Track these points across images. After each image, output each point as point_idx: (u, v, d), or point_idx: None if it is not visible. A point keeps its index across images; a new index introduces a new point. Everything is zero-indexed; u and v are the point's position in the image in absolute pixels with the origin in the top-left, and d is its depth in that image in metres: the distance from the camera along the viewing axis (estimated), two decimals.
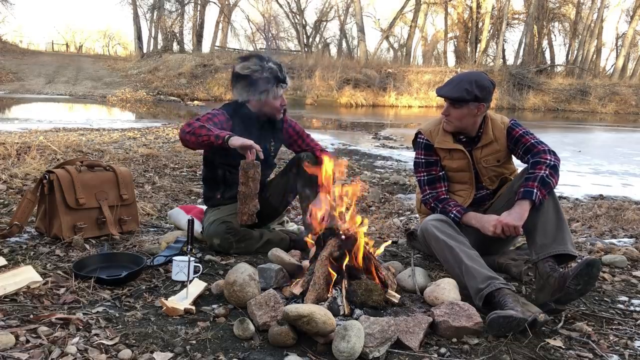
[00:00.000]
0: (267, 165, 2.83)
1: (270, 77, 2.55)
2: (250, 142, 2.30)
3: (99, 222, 2.70)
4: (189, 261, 2.13)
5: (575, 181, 6.47)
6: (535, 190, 2.16)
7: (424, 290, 2.16)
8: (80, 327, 1.71)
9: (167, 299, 1.92)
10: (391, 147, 9.28)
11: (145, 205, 3.45)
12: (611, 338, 1.93)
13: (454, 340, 1.82)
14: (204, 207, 2.90)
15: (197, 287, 2.07)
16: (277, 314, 1.81)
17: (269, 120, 2.72)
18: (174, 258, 2.24)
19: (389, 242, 2.45)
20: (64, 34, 57.51)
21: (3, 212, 3.05)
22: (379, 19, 48.79)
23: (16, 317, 1.74)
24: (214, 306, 1.97)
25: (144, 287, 2.12)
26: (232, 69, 2.66)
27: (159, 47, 30.00)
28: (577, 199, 5.33)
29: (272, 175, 3.04)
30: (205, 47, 30.59)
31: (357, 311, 1.92)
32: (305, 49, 33.20)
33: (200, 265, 2.33)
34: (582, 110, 25.29)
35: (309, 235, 2.37)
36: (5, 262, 2.19)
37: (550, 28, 35.60)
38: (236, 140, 2.30)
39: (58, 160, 4.66)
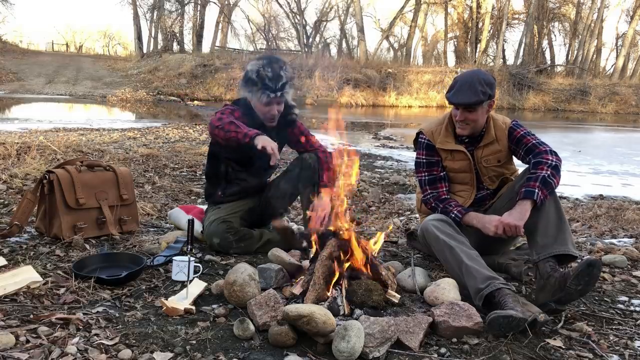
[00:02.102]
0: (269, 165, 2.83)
1: (257, 80, 2.55)
2: (269, 146, 2.32)
3: (99, 222, 2.70)
4: (189, 261, 2.13)
5: (575, 181, 6.47)
6: (536, 190, 2.16)
7: (424, 290, 2.16)
8: (80, 327, 1.71)
9: (167, 299, 1.92)
10: (391, 147, 9.28)
11: (145, 205, 3.44)
12: (611, 338, 1.93)
13: (454, 340, 1.82)
14: (204, 207, 2.90)
15: (197, 287, 2.07)
16: (277, 314, 1.81)
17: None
18: (174, 258, 2.24)
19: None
20: (64, 34, 57.49)
21: (3, 212, 3.05)
22: (379, 19, 48.83)
23: (16, 317, 1.74)
24: (214, 306, 1.97)
25: (144, 287, 2.12)
26: None
27: (159, 47, 30.00)
28: (577, 199, 5.34)
29: (273, 176, 3.04)
30: (205, 47, 30.60)
31: (357, 311, 1.92)
32: (305, 49, 33.19)
33: (200, 265, 2.33)
34: (582, 110, 25.31)
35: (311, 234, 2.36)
36: (5, 262, 2.19)
37: (550, 28, 35.62)
38: (258, 141, 2.35)
39: (58, 160, 4.66)
